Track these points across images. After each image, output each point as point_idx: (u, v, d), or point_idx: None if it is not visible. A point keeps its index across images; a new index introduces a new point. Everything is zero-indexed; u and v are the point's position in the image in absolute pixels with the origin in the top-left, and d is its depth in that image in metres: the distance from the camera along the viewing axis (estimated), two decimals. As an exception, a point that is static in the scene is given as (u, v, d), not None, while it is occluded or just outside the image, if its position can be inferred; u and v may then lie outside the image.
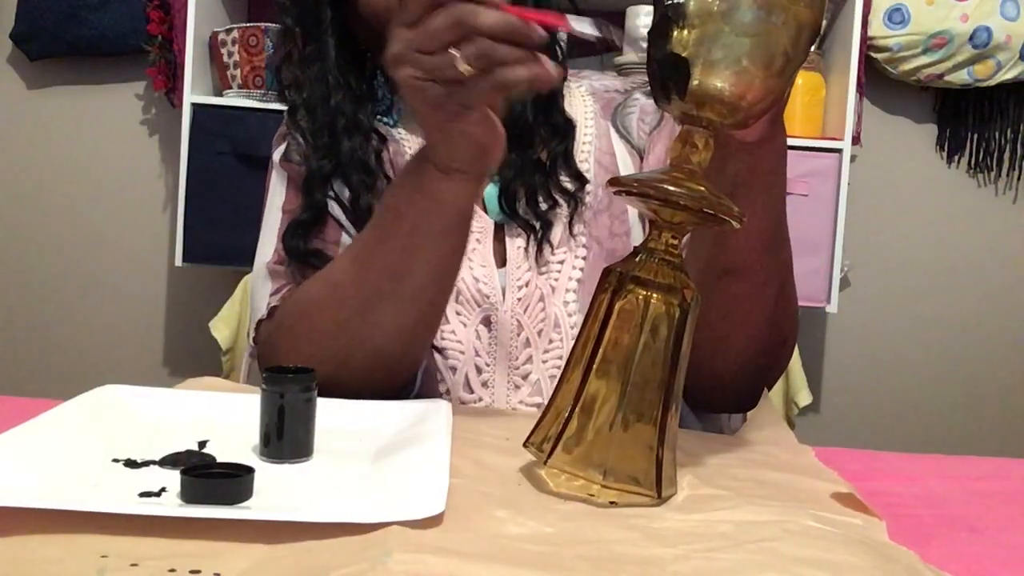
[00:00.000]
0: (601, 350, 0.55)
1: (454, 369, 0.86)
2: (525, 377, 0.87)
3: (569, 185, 0.89)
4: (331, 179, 0.89)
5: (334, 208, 0.90)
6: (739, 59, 0.54)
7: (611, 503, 0.54)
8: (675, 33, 0.55)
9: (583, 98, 0.96)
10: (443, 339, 0.86)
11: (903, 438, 2.27)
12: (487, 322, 0.87)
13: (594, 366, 0.55)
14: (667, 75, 0.56)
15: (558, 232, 0.89)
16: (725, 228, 0.57)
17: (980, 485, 0.65)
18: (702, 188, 0.55)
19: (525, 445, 0.58)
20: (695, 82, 0.55)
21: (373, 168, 0.89)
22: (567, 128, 0.90)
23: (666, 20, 0.55)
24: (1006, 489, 0.64)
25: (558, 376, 0.59)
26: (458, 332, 0.86)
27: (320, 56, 0.90)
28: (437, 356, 0.86)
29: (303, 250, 0.88)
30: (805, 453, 0.68)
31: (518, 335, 0.87)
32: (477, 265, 0.88)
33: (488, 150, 0.69)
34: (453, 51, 0.60)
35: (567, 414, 0.55)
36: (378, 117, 0.94)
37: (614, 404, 0.54)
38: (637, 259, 0.57)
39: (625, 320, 0.55)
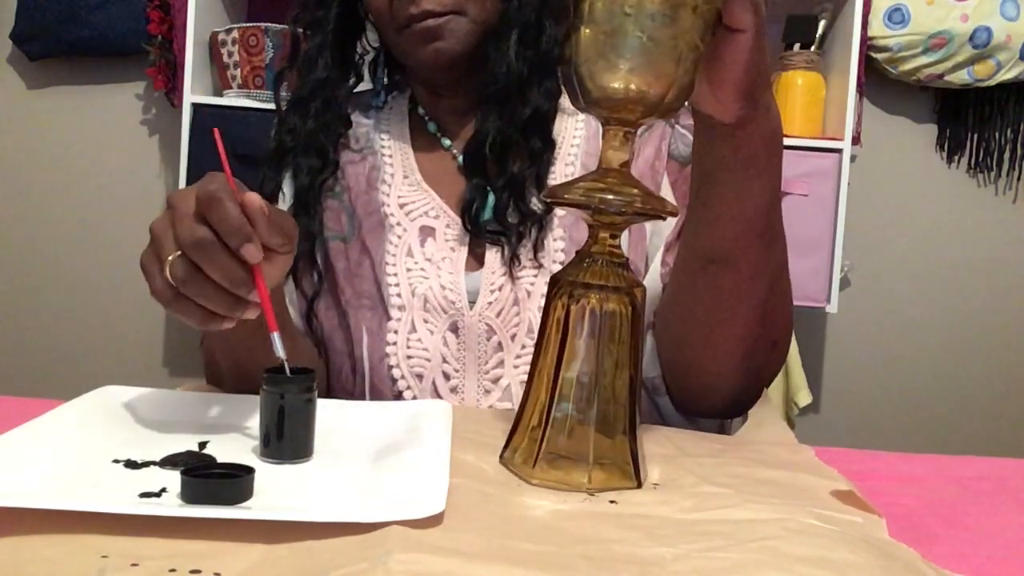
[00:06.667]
0: (564, 358, 0.57)
1: (420, 376, 0.85)
2: (495, 381, 0.85)
3: (537, 207, 0.87)
4: (287, 158, 0.92)
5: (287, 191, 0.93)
6: (613, 55, 0.54)
7: (611, 502, 0.54)
8: (565, 43, 0.56)
9: None
10: (408, 347, 0.86)
11: (903, 438, 2.26)
12: (455, 328, 0.86)
13: (560, 376, 0.57)
14: (564, 83, 0.58)
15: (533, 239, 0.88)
16: (662, 216, 0.58)
17: (980, 485, 0.64)
18: (633, 188, 0.56)
19: (501, 462, 0.60)
20: (588, 86, 0.56)
21: (328, 154, 0.92)
22: (544, 150, 0.88)
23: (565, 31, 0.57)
24: (1006, 489, 0.64)
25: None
26: (424, 340, 0.86)
27: (319, 33, 0.93)
28: (403, 364, 0.85)
29: None
30: (805, 452, 0.68)
31: (488, 339, 0.85)
32: (445, 272, 0.87)
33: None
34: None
35: (542, 430, 0.57)
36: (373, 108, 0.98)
37: (588, 408, 0.57)
38: (584, 264, 0.58)
39: (583, 326, 0.57)
